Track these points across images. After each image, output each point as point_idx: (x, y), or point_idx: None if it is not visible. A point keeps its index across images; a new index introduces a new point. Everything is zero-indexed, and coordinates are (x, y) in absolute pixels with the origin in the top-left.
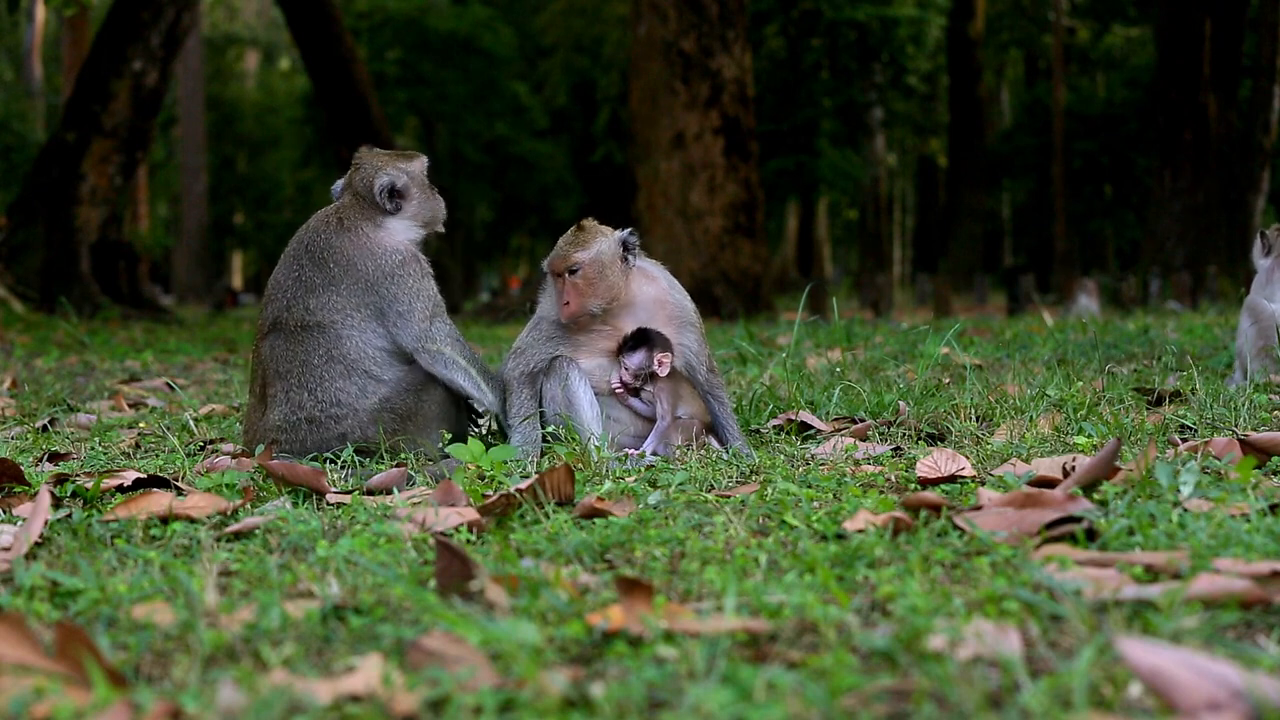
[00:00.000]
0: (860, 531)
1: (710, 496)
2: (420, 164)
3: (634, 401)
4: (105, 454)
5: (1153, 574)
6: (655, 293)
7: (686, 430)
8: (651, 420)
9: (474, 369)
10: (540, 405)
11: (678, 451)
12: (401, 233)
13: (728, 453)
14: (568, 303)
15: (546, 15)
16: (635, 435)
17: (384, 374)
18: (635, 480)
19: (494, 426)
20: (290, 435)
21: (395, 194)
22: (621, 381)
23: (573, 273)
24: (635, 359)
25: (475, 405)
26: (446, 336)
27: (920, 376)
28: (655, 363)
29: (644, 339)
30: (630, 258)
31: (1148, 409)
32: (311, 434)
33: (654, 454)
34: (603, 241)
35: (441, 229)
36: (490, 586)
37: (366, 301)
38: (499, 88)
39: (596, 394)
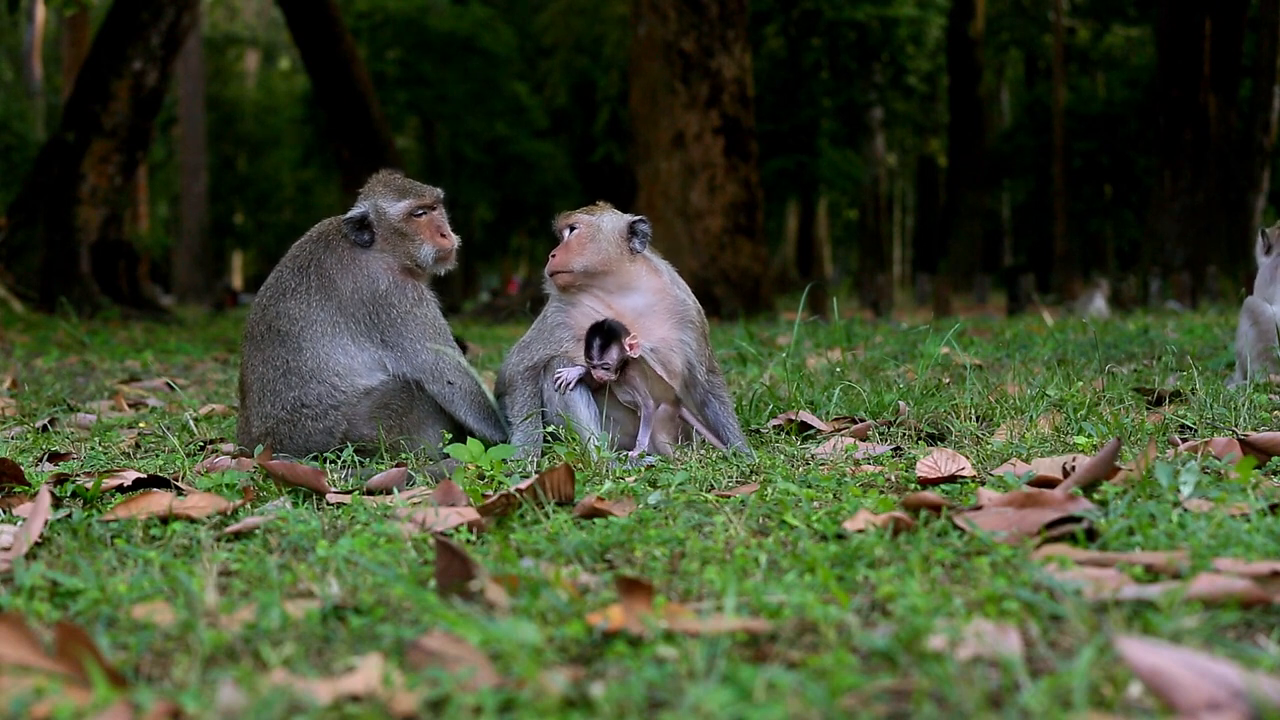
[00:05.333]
0: (860, 531)
1: (710, 496)
2: (403, 205)
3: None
4: (105, 454)
5: (1153, 574)
6: (657, 284)
7: (670, 420)
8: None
9: (478, 405)
10: (542, 403)
11: (675, 451)
12: (380, 260)
13: (729, 451)
14: (554, 255)
15: (546, 15)
16: (633, 435)
17: (360, 381)
18: (635, 480)
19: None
20: (272, 438)
21: (363, 227)
22: (600, 381)
23: (571, 230)
24: (612, 354)
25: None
26: (450, 368)
27: (920, 376)
28: (627, 347)
29: (609, 333)
30: (637, 242)
31: (1148, 409)
32: (297, 433)
33: (651, 452)
34: (609, 215)
35: (436, 271)
36: (490, 586)
37: (343, 318)
38: (499, 88)
39: (594, 394)
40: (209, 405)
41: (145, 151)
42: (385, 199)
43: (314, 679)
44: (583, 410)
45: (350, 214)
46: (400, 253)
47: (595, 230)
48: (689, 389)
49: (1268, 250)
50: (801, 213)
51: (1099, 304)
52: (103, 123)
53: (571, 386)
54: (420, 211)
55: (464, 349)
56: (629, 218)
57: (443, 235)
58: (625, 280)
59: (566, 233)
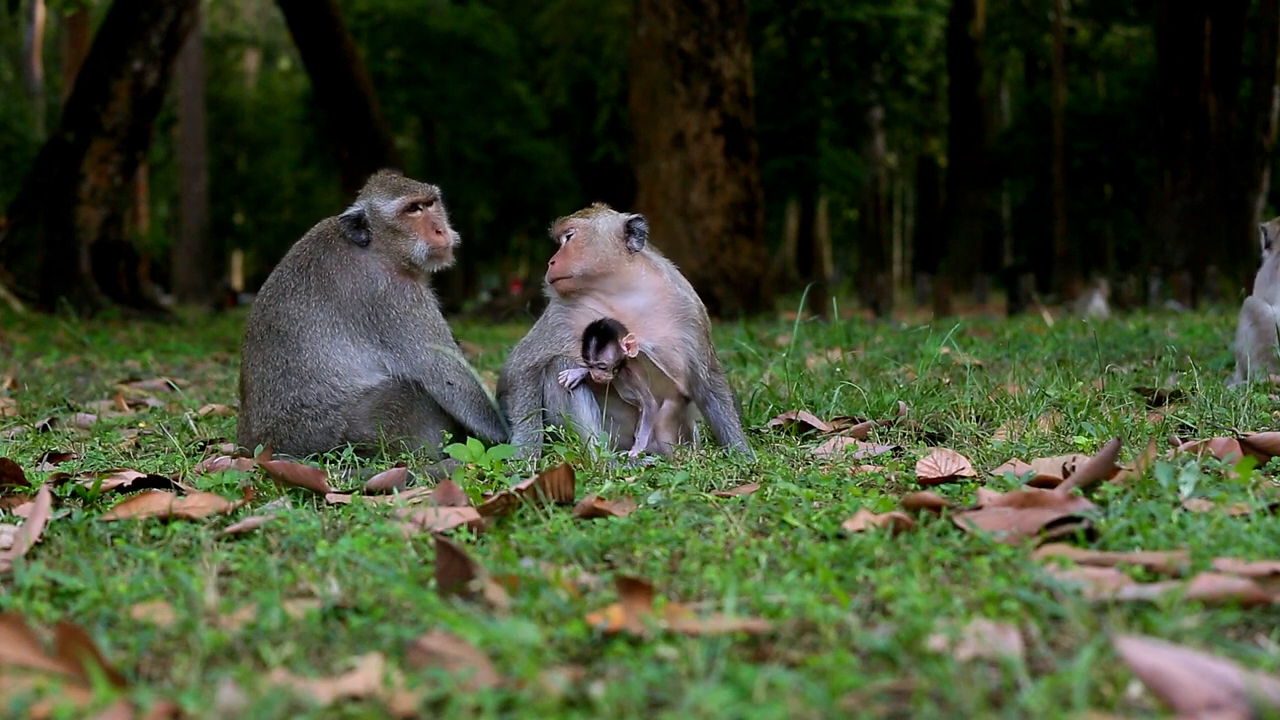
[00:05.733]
0: (860, 531)
1: (710, 496)
2: (397, 203)
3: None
4: (105, 454)
5: (1153, 574)
6: (658, 283)
7: (672, 418)
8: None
9: (478, 405)
10: (543, 403)
11: (675, 450)
12: (379, 261)
13: (729, 451)
14: (554, 262)
15: (546, 15)
16: (634, 434)
17: (360, 381)
18: (635, 480)
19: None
20: (272, 437)
21: (360, 226)
22: (599, 381)
23: (568, 237)
24: (608, 354)
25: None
26: (449, 368)
27: (920, 376)
28: (624, 347)
29: (605, 333)
30: (634, 241)
31: (1148, 409)
32: (297, 433)
33: (650, 452)
34: (605, 216)
35: (431, 268)
36: (490, 586)
37: (342, 319)
38: (499, 88)
39: (596, 394)
40: (209, 405)
41: (145, 151)
42: (380, 197)
43: (314, 679)
44: (585, 410)
45: (347, 212)
46: (395, 251)
47: (591, 233)
48: (691, 387)
49: (1267, 246)
50: (801, 213)
51: (1098, 304)
52: (103, 123)
53: (575, 386)
54: (415, 208)
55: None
56: (625, 217)
57: (438, 232)
58: (625, 280)
59: (563, 239)
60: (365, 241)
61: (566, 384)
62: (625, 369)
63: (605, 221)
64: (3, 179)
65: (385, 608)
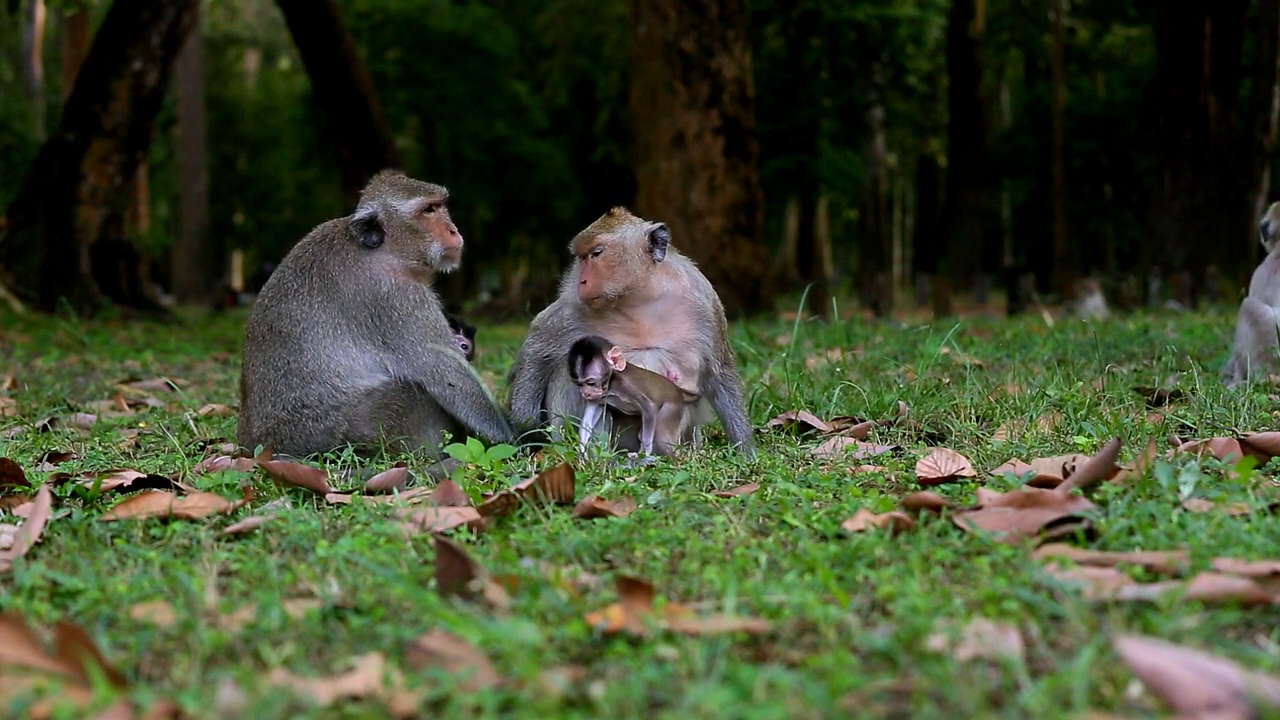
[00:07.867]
0: (860, 531)
1: (710, 496)
2: (414, 203)
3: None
4: (105, 454)
5: (1153, 574)
6: (676, 290)
7: (674, 419)
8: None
9: (479, 406)
10: (545, 388)
11: (677, 451)
12: (383, 262)
13: (729, 451)
14: (584, 282)
15: (546, 15)
16: (636, 436)
17: (361, 382)
18: (635, 480)
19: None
20: (272, 438)
21: (373, 227)
22: (592, 399)
23: (595, 254)
24: (595, 370)
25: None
26: (450, 370)
27: (920, 376)
28: (610, 361)
29: (589, 349)
30: (658, 251)
31: (1148, 409)
32: (298, 433)
33: (653, 453)
34: (630, 228)
35: (443, 269)
36: (490, 586)
37: (344, 320)
38: (499, 88)
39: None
40: (209, 405)
41: (145, 151)
42: (395, 198)
43: (314, 679)
44: (589, 412)
45: (359, 215)
46: (409, 252)
47: (621, 251)
48: (702, 381)
49: (1269, 237)
50: (801, 213)
51: (1092, 304)
52: (103, 123)
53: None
54: (430, 209)
55: (471, 334)
56: (647, 227)
57: (451, 233)
58: (647, 291)
59: (590, 255)
60: (377, 243)
61: (585, 438)
62: (616, 381)
63: (631, 236)
64: (3, 179)
65: (385, 608)
